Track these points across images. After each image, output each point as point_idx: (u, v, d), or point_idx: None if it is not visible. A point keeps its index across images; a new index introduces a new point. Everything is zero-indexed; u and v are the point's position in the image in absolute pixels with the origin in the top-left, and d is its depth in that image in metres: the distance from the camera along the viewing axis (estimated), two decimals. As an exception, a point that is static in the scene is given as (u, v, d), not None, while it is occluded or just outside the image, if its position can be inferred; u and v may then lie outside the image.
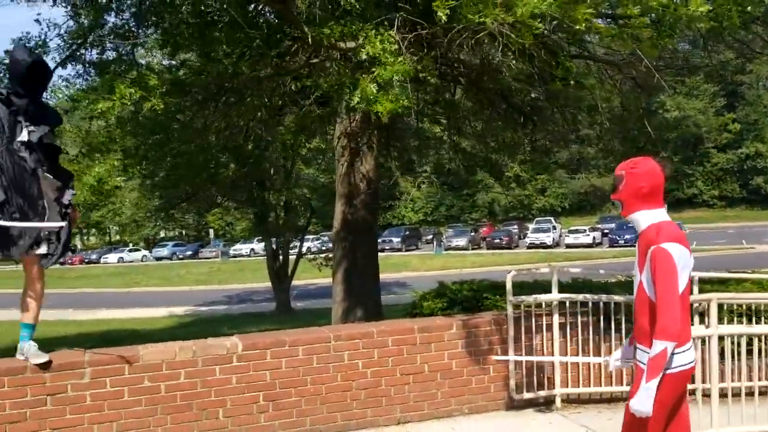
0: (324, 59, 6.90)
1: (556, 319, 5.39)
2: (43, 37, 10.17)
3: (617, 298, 5.40)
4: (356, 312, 10.80)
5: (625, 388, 5.44)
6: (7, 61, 9.81)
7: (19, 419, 4.21)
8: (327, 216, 30.14)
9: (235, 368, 4.70)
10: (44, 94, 4.33)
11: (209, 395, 4.64)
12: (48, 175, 4.01)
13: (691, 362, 2.89)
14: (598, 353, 5.46)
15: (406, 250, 47.72)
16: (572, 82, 6.87)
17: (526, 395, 5.32)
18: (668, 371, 2.81)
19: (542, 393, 5.36)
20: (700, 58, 12.42)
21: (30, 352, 4.21)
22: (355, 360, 4.98)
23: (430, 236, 51.32)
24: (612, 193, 3.06)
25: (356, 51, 5.93)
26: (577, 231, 44.67)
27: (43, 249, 3.98)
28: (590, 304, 5.45)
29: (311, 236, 35.18)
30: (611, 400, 5.52)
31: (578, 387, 5.45)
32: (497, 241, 45.89)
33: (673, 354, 2.78)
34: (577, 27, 4.35)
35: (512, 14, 4.21)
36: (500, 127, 11.55)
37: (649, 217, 2.93)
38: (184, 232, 66.11)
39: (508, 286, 5.32)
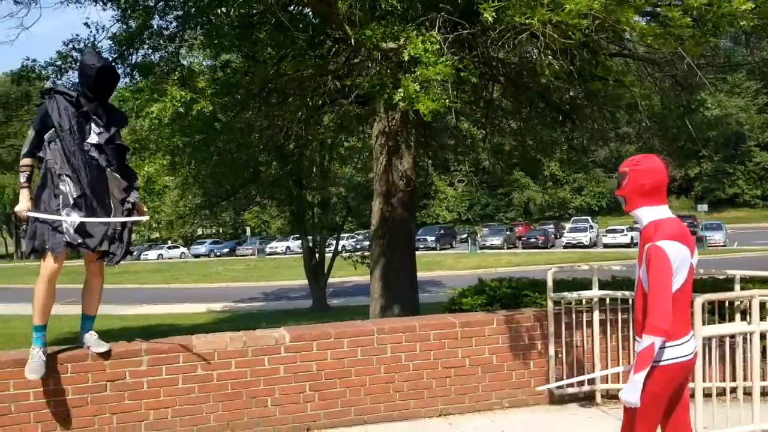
0: (365, 59, 7.03)
1: (596, 316, 5.44)
2: (92, 39, 10.54)
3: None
4: (393, 309, 10.93)
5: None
6: (59, 63, 10.22)
7: (81, 404, 4.44)
8: (362, 214, 30.39)
9: (283, 359, 4.87)
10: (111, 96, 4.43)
11: (258, 384, 4.82)
12: (116, 174, 4.22)
13: (688, 355, 2.96)
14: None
15: (441, 249, 47.72)
16: (611, 81, 6.89)
17: (567, 390, 5.39)
18: (662, 363, 2.89)
19: (583, 388, 5.42)
20: (742, 56, 12.26)
21: (91, 341, 4.44)
22: (398, 353, 5.11)
23: (465, 235, 51.22)
24: (616, 189, 3.13)
25: (399, 51, 6.06)
26: (614, 231, 44.13)
27: (108, 246, 4.18)
28: (630, 301, 5.49)
29: (346, 234, 35.45)
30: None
31: (618, 383, 5.48)
32: (533, 240, 45.60)
33: (666, 347, 2.88)
34: (623, 27, 4.40)
35: (559, 14, 4.28)
36: (538, 125, 11.57)
37: (650, 214, 2.99)
38: (221, 230, 67.11)
39: (549, 282, 5.39)
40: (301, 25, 6.90)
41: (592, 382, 5.44)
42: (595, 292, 5.43)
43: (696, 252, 3.05)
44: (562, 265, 6.10)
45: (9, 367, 4.28)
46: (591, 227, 46.72)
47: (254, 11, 7.23)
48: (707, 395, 4.33)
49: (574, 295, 5.42)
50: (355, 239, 36.39)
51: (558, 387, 5.35)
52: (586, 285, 5.77)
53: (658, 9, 4.61)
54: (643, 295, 2.97)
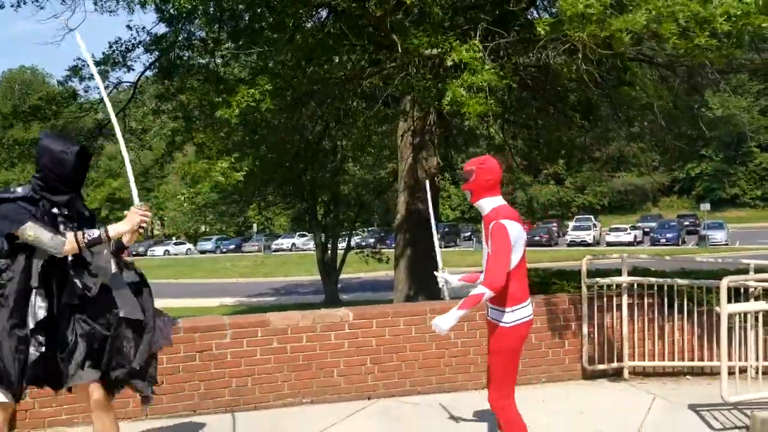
0: (406, 64, 7.58)
1: (625, 300, 6.00)
2: (133, 42, 11.09)
3: (681, 281, 5.99)
4: (417, 299, 11.48)
5: (688, 363, 6.05)
6: (103, 66, 10.72)
7: (173, 372, 5.00)
8: (372, 211, 30.87)
9: (347, 334, 5.43)
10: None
11: (326, 357, 5.38)
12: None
13: (530, 315, 3.67)
14: (662, 331, 6.07)
15: (445, 247, 48.27)
16: (631, 85, 7.44)
17: (598, 367, 5.96)
18: (516, 322, 3.59)
19: (612, 365, 5.98)
20: (745, 58, 12.78)
21: None
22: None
23: (468, 233, 51.76)
24: (463, 184, 3.77)
25: (443, 58, 6.61)
26: (618, 229, 44.75)
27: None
28: (656, 287, 6.04)
29: (362, 231, 35.96)
30: (674, 374, 6.11)
31: (644, 361, 6.05)
32: (537, 238, 46.12)
33: (516, 309, 3.58)
34: (663, 40, 4.96)
35: (606, 30, 4.83)
36: (554, 126, 12.12)
37: (491, 203, 3.64)
38: (224, 227, 67.70)
39: (584, 268, 5.95)
40: (349, 32, 7.43)
41: (621, 359, 5.99)
42: (625, 278, 5.98)
43: (525, 231, 3.76)
44: (593, 257, 6.63)
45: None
46: (594, 225, 47.30)
47: (300, 20, 7.77)
48: (731, 373, 4.86)
49: (607, 280, 5.98)
50: (367, 234, 36.84)
51: (589, 360, 5.91)
52: (610, 273, 6.32)
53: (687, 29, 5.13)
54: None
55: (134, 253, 58.81)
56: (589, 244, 43.99)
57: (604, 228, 49.79)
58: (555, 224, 52.61)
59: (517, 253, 3.53)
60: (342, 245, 25.84)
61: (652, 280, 6.08)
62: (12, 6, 9.82)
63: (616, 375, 6.03)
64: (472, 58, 6.36)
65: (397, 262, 12.14)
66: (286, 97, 7.74)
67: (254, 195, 17.36)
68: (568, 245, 44.65)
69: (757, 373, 5.09)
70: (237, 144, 8.55)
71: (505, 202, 3.69)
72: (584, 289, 5.94)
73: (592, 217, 51.74)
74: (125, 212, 3.26)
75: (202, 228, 68.56)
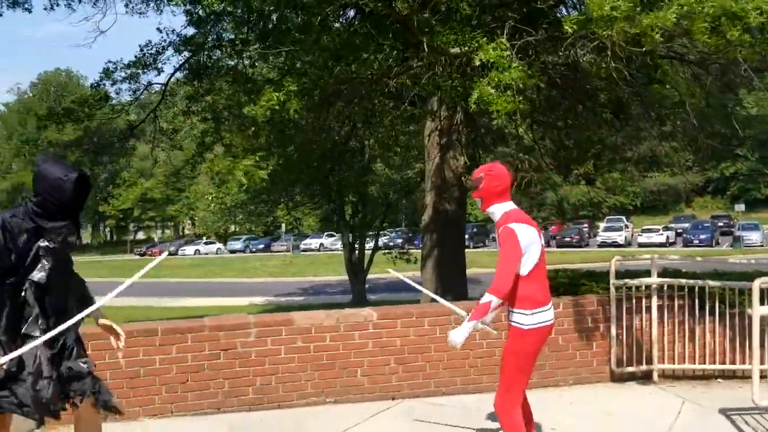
0: (432, 63, 7.54)
1: (654, 302, 5.89)
2: (163, 44, 11.23)
3: (712, 283, 5.86)
4: (444, 299, 11.42)
5: (719, 366, 5.91)
6: (133, 69, 10.88)
7: (198, 369, 5.04)
8: (400, 211, 30.82)
9: (371, 334, 5.42)
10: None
11: (349, 356, 5.37)
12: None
13: (550, 320, 3.61)
14: (693, 334, 5.94)
15: (474, 247, 48.03)
16: (662, 83, 7.30)
17: (627, 369, 5.85)
18: (534, 326, 3.54)
19: (641, 368, 5.87)
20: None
21: None
22: (473, 332, 5.61)
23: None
24: (473, 192, 3.75)
25: (470, 57, 6.55)
26: (650, 230, 44.10)
27: None
28: (686, 289, 5.92)
29: (390, 231, 36.02)
30: (704, 377, 5.98)
31: (674, 364, 5.93)
32: (567, 239, 45.74)
33: (535, 313, 3.53)
34: (694, 37, 4.85)
35: (636, 27, 4.75)
36: (584, 125, 11.96)
37: (501, 209, 3.63)
38: (253, 227, 68.31)
39: (612, 269, 5.86)
40: (374, 32, 7.42)
41: (650, 362, 5.88)
42: (654, 279, 5.87)
43: (542, 234, 3.70)
44: (623, 259, 6.52)
45: (139, 336, 4.89)
46: (626, 226, 46.67)
47: (327, 20, 7.78)
48: (763, 377, 4.75)
49: (636, 281, 5.88)
50: (395, 234, 36.83)
51: (618, 362, 5.81)
52: (640, 274, 6.20)
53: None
54: None
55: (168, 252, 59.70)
56: (620, 245, 43.44)
57: (636, 229, 49.07)
58: (586, 225, 52.03)
59: (532, 255, 3.52)
60: (369, 245, 25.87)
61: (683, 281, 5.96)
62: (45, 9, 10.01)
63: (645, 378, 5.92)
64: (499, 56, 6.30)
65: (424, 262, 12.09)
66: (313, 97, 7.76)
67: (282, 195, 17.45)
68: (599, 246, 44.12)
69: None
70: (264, 143, 8.59)
71: (516, 207, 3.68)
72: (612, 290, 5.85)
73: (623, 217, 51.06)
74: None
75: (232, 228, 69.45)
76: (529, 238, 3.50)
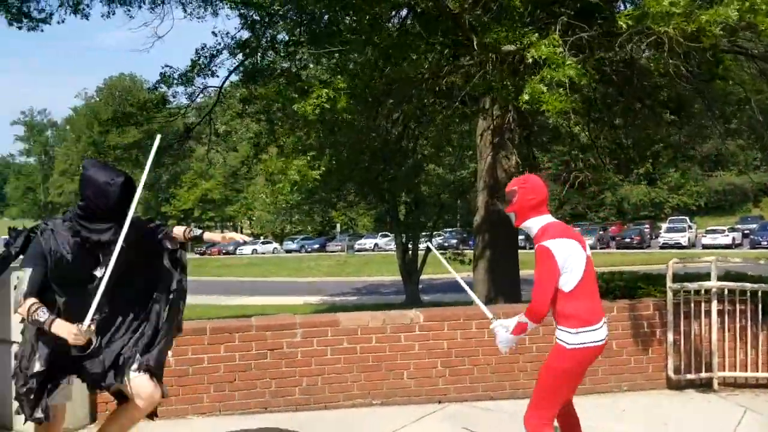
0: (483, 62, 7.43)
1: (714, 306, 5.64)
2: (218, 47, 11.43)
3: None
4: (497, 301, 11.26)
5: (785, 376, 5.62)
6: (189, 72, 11.12)
7: (245, 369, 5.08)
8: (454, 212, 30.63)
9: (418, 336, 5.36)
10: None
11: (396, 358, 5.33)
12: None
13: (600, 340, 3.31)
14: (756, 340, 5.66)
15: (530, 248, 47.25)
16: (724, 79, 7.02)
17: (685, 376, 5.62)
18: (578, 346, 3.27)
19: (701, 375, 5.63)
20: None
21: None
22: (522, 335, 5.48)
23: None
24: (505, 206, 3.51)
25: (522, 54, 6.42)
26: (714, 231, 42.54)
27: None
28: (749, 293, 5.64)
29: (444, 232, 35.89)
30: (768, 386, 5.70)
31: (735, 371, 5.66)
32: (627, 240, 44.59)
33: (581, 331, 3.26)
34: (762, 33, 4.62)
35: (695, 24, 4.56)
36: (644, 123, 11.61)
37: (538, 222, 3.38)
38: (309, 227, 69.09)
39: (669, 272, 5.64)
40: (425, 31, 7.37)
41: (709, 369, 5.63)
42: (714, 283, 5.62)
43: (588, 246, 3.44)
44: (683, 259, 6.26)
45: (188, 335, 4.96)
46: (689, 227, 45.17)
47: (384, 15, 7.74)
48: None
49: (695, 285, 5.64)
50: (448, 235, 36.64)
51: (675, 369, 5.58)
52: (700, 278, 5.94)
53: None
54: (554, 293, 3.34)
55: (224, 252, 60.93)
56: (683, 247, 42.07)
57: (700, 230, 47.44)
58: (647, 226, 50.60)
59: (574, 270, 3.27)
60: (423, 246, 25.78)
61: (746, 285, 5.69)
62: (102, 16, 10.34)
63: (705, 386, 5.68)
64: (551, 53, 6.15)
65: (476, 263, 11.96)
66: (364, 96, 7.75)
67: (334, 195, 17.55)
68: (661, 248, 42.82)
69: None
70: (314, 143, 8.63)
71: (555, 220, 3.45)
72: (669, 294, 5.63)
73: (687, 218, 49.46)
74: (70, 325, 3.00)
75: (288, 228, 70.47)
76: (568, 252, 3.26)
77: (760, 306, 5.64)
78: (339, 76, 6.86)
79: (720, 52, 6.54)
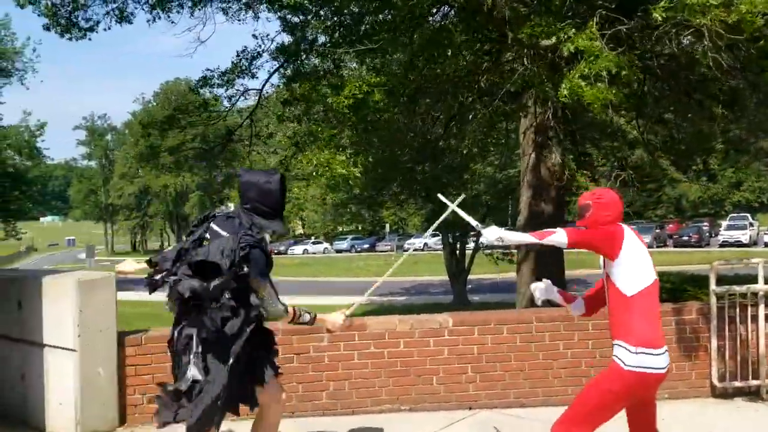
0: (519, 57, 7.26)
1: (761, 310, 5.34)
2: (258, 50, 11.53)
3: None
4: (540, 304, 11.01)
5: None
6: (229, 74, 11.26)
7: (272, 373, 5.05)
8: (501, 212, 30.29)
9: (447, 341, 5.24)
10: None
11: (424, 363, 5.23)
12: None
13: (662, 368, 2.98)
14: (809, 347, 5.34)
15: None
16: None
17: (731, 384, 5.34)
18: (634, 368, 2.94)
19: (748, 383, 5.34)
20: None
21: None
22: (555, 341, 5.32)
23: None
24: (578, 220, 3.25)
25: (559, 47, 6.23)
26: (778, 229, 40.82)
27: None
28: (801, 297, 5.33)
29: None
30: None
31: (789, 381, 5.35)
32: (685, 238, 43.19)
33: (643, 353, 2.94)
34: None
35: (733, 14, 4.31)
36: (694, 118, 11.18)
37: None
38: (359, 227, 69.47)
39: (712, 276, 5.37)
40: (459, 27, 7.25)
41: (757, 377, 5.34)
42: (762, 286, 5.33)
43: (655, 268, 3.15)
44: (727, 260, 5.96)
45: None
46: (751, 225, 43.46)
47: (417, 13, 7.65)
48: None
49: (742, 288, 5.35)
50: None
51: (720, 376, 5.31)
52: (748, 281, 5.65)
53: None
54: (614, 294, 3.09)
55: (276, 251, 61.81)
56: (744, 245, 40.49)
57: (762, 227, 45.59)
58: (707, 223, 48.96)
59: (641, 271, 3.02)
60: (471, 246, 25.57)
61: (798, 289, 5.37)
62: (147, 21, 10.56)
63: (752, 394, 5.39)
64: (588, 45, 5.94)
65: (520, 264, 11.73)
66: (400, 94, 7.66)
67: (380, 195, 17.52)
68: (721, 246, 41.33)
69: None
70: (349, 141, 8.57)
71: None
72: (713, 298, 5.36)
73: (748, 215, 47.58)
74: (340, 311, 3.84)
75: (341, 228, 70.98)
76: (638, 249, 3.06)
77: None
78: (373, 73, 6.80)
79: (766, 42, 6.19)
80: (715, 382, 5.36)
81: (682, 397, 5.41)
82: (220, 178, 74.05)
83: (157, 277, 3.33)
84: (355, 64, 12.65)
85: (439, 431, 4.87)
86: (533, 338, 5.31)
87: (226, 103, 11.16)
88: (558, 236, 3.09)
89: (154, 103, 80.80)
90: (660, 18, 4.87)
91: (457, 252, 25.00)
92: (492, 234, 3.26)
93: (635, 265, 3.03)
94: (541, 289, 3.65)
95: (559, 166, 11.10)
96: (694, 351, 5.43)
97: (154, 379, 4.96)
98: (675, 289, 6.25)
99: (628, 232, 3.11)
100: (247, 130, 11.89)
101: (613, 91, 5.58)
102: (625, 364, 2.98)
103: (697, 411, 5.16)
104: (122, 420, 4.90)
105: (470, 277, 26.81)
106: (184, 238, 3.49)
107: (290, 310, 3.42)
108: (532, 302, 12.26)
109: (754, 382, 5.35)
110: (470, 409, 5.25)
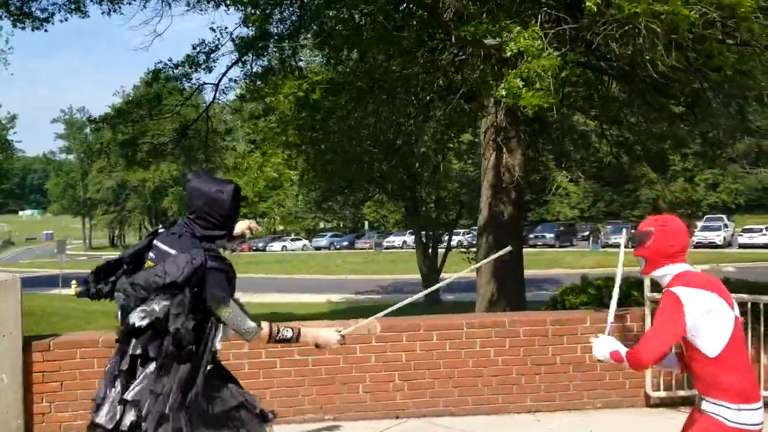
0: (469, 56, 7.11)
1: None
2: (216, 42, 11.29)
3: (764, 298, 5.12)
4: (500, 305, 10.90)
5: None
6: (187, 66, 11.01)
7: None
8: (475, 210, 30.21)
9: (374, 348, 5.07)
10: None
11: (350, 371, 5.06)
12: None
13: (759, 424, 2.68)
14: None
15: (560, 247, 46.56)
16: (728, 72, 6.55)
17: (663, 394, 5.23)
18: (739, 426, 2.66)
19: (681, 393, 5.23)
20: None
21: None
22: (486, 348, 5.18)
23: (587, 232, 49.60)
24: (636, 248, 2.93)
25: (502, 47, 6.09)
26: (752, 230, 41.13)
27: None
28: (748, 305, 5.18)
29: (462, 230, 35.45)
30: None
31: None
32: (659, 239, 43.38)
33: (743, 409, 2.65)
34: (739, 15, 4.19)
35: (666, 5, 4.16)
36: (655, 119, 11.12)
37: (673, 271, 2.82)
38: (341, 224, 69.22)
39: (647, 282, 5.25)
40: (408, 24, 7.08)
41: (691, 386, 5.21)
42: (696, 294, 5.20)
43: (735, 305, 2.78)
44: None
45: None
46: (725, 226, 43.80)
47: (364, 11, 7.48)
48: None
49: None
50: (471, 235, 36.21)
51: (653, 386, 5.19)
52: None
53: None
54: (687, 346, 2.77)
55: (254, 248, 61.34)
56: (718, 246, 40.80)
57: (738, 228, 45.98)
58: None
59: (718, 329, 2.67)
60: (444, 245, 25.45)
61: (746, 296, 5.22)
62: (103, 13, 10.28)
63: (688, 404, 5.24)
64: (530, 45, 5.79)
65: (480, 267, 11.61)
66: (348, 92, 7.48)
67: (335, 194, 17.25)
68: (695, 247, 41.53)
69: None
70: (293, 141, 8.38)
71: (692, 269, 2.87)
72: (648, 304, 5.24)
73: (724, 216, 47.95)
74: (335, 329, 3.25)
75: (322, 225, 70.71)
76: (705, 305, 2.67)
77: (749, 317, 5.20)
78: (311, 72, 6.62)
79: (711, 42, 6.06)
80: (649, 391, 5.25)
81: (617, 407, 5.29)
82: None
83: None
84: (319, 59, 12.44)
85: (362, 441, 4.71)
86: (463, 345, 5.16)
87: (178, 97, 10.83)
88: (634, 363, 2.76)
89: (134, 97, 79.95)
90: (593, 8, 4.72)
91: (430, 251, 24.85)
92: (600, 354, 2.92)
93: (708, 325, 2.68)
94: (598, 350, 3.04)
95: (520, 166, 10.99)
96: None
97: (62, 386, 4.76)
98: (622, 294, 6.10)
99: (688, 291, 2.69)
100: (209, 125, 11.59)
101: (551, 96, 5.42)
102: (729, 422, 2.68)
103: (628, 421, 5.04)
104: (28, 429, 4.68)
105: (447, 275, 26.72)
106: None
107: (265, 327, 3.00)
108: (491, 304, 12.10)
109: (689, 392, 5.23)
110: (397, 418, 5.09)
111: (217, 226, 3.01)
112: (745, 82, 9.65)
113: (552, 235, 47.33)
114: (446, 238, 25.64)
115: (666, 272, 2.83)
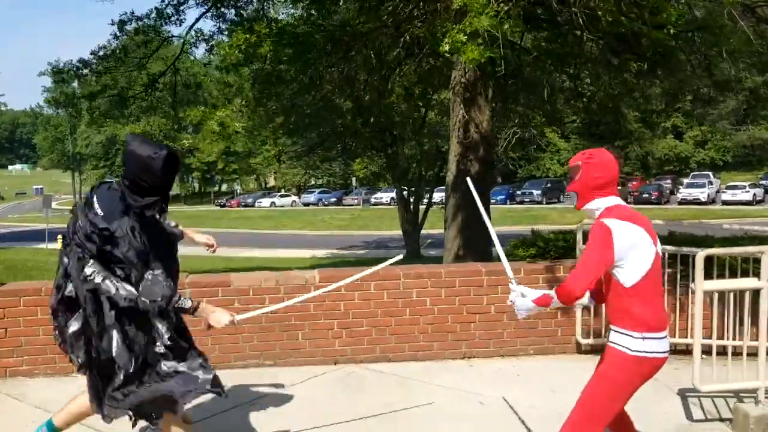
0: (421, 11, 7.13)
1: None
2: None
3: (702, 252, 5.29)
4: (466, 259, 11.09)
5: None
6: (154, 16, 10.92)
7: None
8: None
9: (313, 297, 5.24)
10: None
11: (290, 319, 5.25)
12: None
13: (664, 352, 2.82)
14: (676, 304, 5.44)
15: (547, 203, 46.85)
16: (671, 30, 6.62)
17: (593, 341, 5.45)
18: (640, 353, 2.77)
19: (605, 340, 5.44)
20: None
21: None
22: (422, 297, 5.37)
23: (574, 189, 49.85)
24: (567, 184, 3.00)
25: (448, 2, 6.13)
26: (735, 187, 41.47)
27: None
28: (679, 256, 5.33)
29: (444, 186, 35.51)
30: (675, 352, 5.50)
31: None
32: (646, 196, 43.72)
33: (647, 338, 2.77)
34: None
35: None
36: (617, 73, 11.16)
37: (603, 204, 2.89)
38: (332, 180, 69.17)
39: (578, 236, 5.42)
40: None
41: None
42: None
43: (659, 242, 2.89)
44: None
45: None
46: (710, 183, 44.10)
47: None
48: (705, 352, 4.32)
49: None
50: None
51: (583, 333, 5.42)
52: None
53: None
54: (608, 279, 2.85)
55: (243, 204, 61.45)
56: (702, 203, 41.17)
57: (723, 185, 46.32)
58: (669, 181, 49.53)
59: (638, 262, 2.76)
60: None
61: (669, 248, 5.40)
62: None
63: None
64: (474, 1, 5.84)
65: (448, 222, 11.77)
66: (302, 46, 7.49)
67: (315, 148, 17.24)
68: (679, 203, 41.99)
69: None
70: (250, 94, 8.41)
71: (623, 203, 2.93)
72: (579, 255, 5.41)
73: (710, 173, 48.21)
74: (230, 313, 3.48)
75: (312, 181, 70.65)
76: (632, 239, 2.75)
77: (678, 269, 5.39)
78: (261, 23, 6.63)
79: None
80: (579, 338, 5.47)
81: (548, 354, 5.52)
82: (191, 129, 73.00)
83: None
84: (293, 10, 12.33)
85: (299, 384, 4.91)
86: (401, 294, 5.35)
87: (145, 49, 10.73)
88: (564, 296, 2.77)
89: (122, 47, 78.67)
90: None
91: (411, 207, 25.03)
92: (525, 311, 2.93)
93: (631, 257, 2.77)
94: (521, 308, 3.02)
95: (488, 123, 11.06)
96: (562, 309, 5.51)
97: (7, 333, 4.93)
98: (567, 247, 6.27)
99: (617, 223, 2.77)
100: (175, 78, 11.54)
101: (489, 50, 5.50)
102: (631, 351, 2.79)
103: (554, 366, 5.27)
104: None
105: (431, 231, 26.93)
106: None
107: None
108: (457, 258, 12.30)
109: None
110: (335, 363, 5.31)
111: (149, 190, 3.03)
112: (713, 39, 9.72)
113: (539, 192, 47.56)
114: (427, 195, 25.81)
115: (597, 206, 2.89)
